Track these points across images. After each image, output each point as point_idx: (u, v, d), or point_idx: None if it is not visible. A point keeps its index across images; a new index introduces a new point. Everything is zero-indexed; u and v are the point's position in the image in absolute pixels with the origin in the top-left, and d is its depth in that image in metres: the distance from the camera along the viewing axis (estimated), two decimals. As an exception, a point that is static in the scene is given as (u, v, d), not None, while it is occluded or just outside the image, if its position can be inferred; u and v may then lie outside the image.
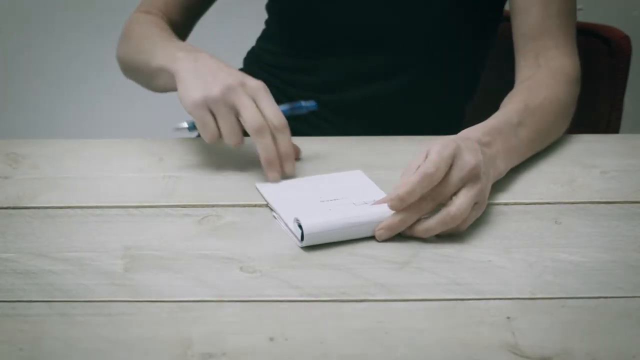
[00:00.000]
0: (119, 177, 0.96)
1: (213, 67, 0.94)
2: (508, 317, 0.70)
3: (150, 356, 0.65)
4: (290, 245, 0.81)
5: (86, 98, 2.14)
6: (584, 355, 0.65)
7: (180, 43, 1.05)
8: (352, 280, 0.75)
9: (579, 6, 1.17)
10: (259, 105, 0.92)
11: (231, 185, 0.93)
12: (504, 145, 0.90)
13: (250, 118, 0.90)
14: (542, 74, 1.07)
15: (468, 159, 0.82)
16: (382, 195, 0.88)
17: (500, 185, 0.92)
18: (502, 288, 0.74)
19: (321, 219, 0.81)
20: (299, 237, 0.80)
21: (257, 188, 0.91)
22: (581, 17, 1.42)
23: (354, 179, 0.93)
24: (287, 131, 0.92)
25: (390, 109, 1.17)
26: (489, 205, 0.88)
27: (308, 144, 1.04)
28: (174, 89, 0.97)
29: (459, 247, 0.80)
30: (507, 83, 1.09)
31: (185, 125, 0.96)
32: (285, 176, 0.93)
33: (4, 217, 0.87)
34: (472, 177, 0.82)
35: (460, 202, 0.80)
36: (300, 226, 0.80)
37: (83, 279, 0.75)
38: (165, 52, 1.00)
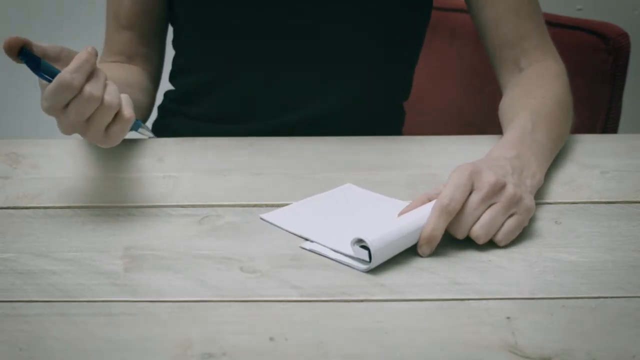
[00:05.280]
0: (119, 177, 0.96)
1: None
2: (508, 317, 0.70)
3: (150, 356, 0.65)
4: (290, 245, 0.81)
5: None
6: (584, 355, 0.65)
7: None
8: (352, 280, 0.75)
9: (578, 6, 1.17)
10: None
11: (231, 185, 0.93)
12: (531, 153, 0.89)
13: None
14: (529, 76, 1.06)
15: (487, 178, 0.80)
16: (387, 201, 0.88)
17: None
18: (502, 288, 0.74)
19: (382, 231, 0.76)
20: (365, 258, 0.76)
21: (263, 219, 0.86)
22: (581, 17, 1.42)
23: (350, 193, 0.91)
24: None
25: (338, 120, 1.15)
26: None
27: (308, 144, 1.04)
28: None
29: (459, 247, 0.80)
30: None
31: None
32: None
33: (4, 217, 0.87)
34: (495, 192, 0.80)
35: (485, 219, 0.79)
36: (365, 247, 0.75)
37: (83, 279, 0.75)
38: None
